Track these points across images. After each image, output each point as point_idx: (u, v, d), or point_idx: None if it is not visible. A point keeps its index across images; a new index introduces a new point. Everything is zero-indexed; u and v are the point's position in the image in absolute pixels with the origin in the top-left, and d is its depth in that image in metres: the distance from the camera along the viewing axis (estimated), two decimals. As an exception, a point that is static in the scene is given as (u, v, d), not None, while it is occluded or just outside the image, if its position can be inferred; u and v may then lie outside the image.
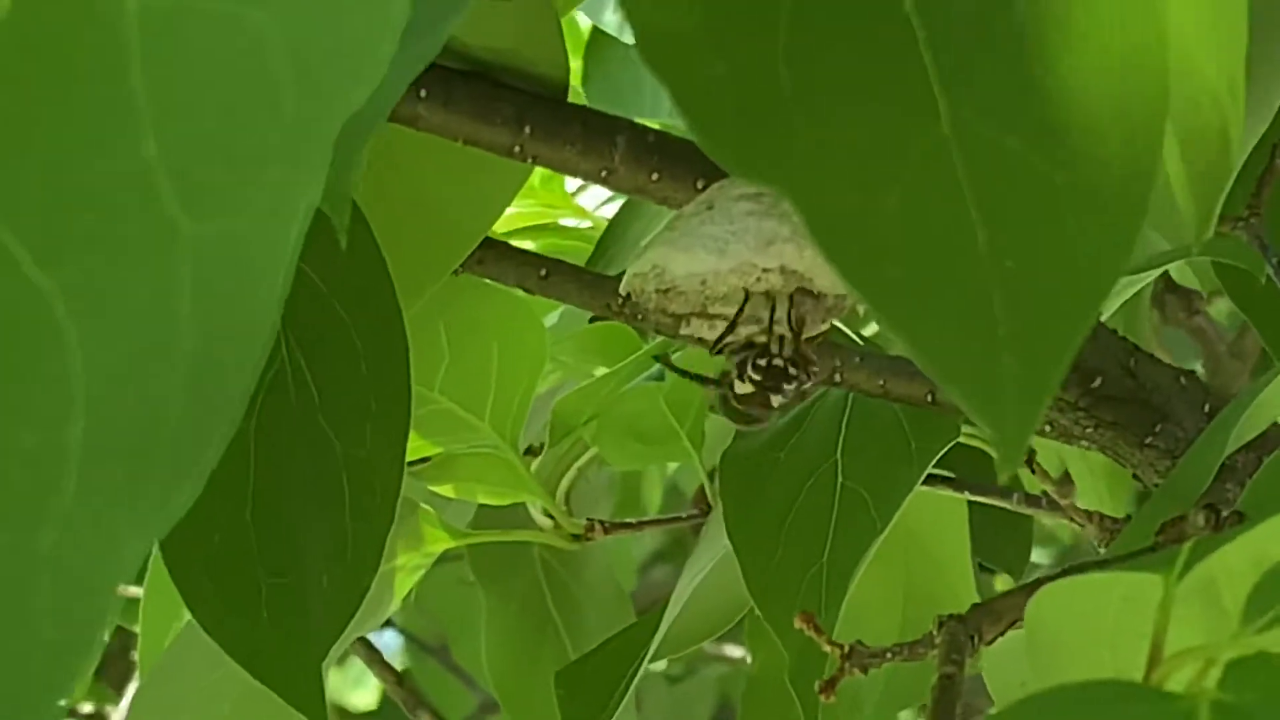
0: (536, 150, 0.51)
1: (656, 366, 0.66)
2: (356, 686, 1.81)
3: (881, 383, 0.57)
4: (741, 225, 0.47)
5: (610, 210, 0.88)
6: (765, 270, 0.46)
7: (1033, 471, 0.63)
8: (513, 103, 0.50)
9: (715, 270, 0.47)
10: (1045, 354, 0.30)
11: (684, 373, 0.53)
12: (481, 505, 0.71)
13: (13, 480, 0.23)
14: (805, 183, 0.31)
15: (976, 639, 0.44)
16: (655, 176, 0.51)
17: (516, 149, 0.50)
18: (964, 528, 0.68)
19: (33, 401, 0.23)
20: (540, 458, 0.69)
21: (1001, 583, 0.86)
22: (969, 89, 0.32)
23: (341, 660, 1.76)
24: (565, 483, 0.69)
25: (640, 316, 0.49)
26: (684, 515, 0.69)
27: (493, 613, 0.76)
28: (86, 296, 0.23)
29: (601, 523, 0.68)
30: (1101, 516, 0.66)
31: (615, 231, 0.77)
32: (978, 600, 0.69)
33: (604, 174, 0.51)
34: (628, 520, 0.69)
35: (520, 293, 0.64)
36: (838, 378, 0.57)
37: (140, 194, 0.23)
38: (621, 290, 0.48)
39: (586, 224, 0.85)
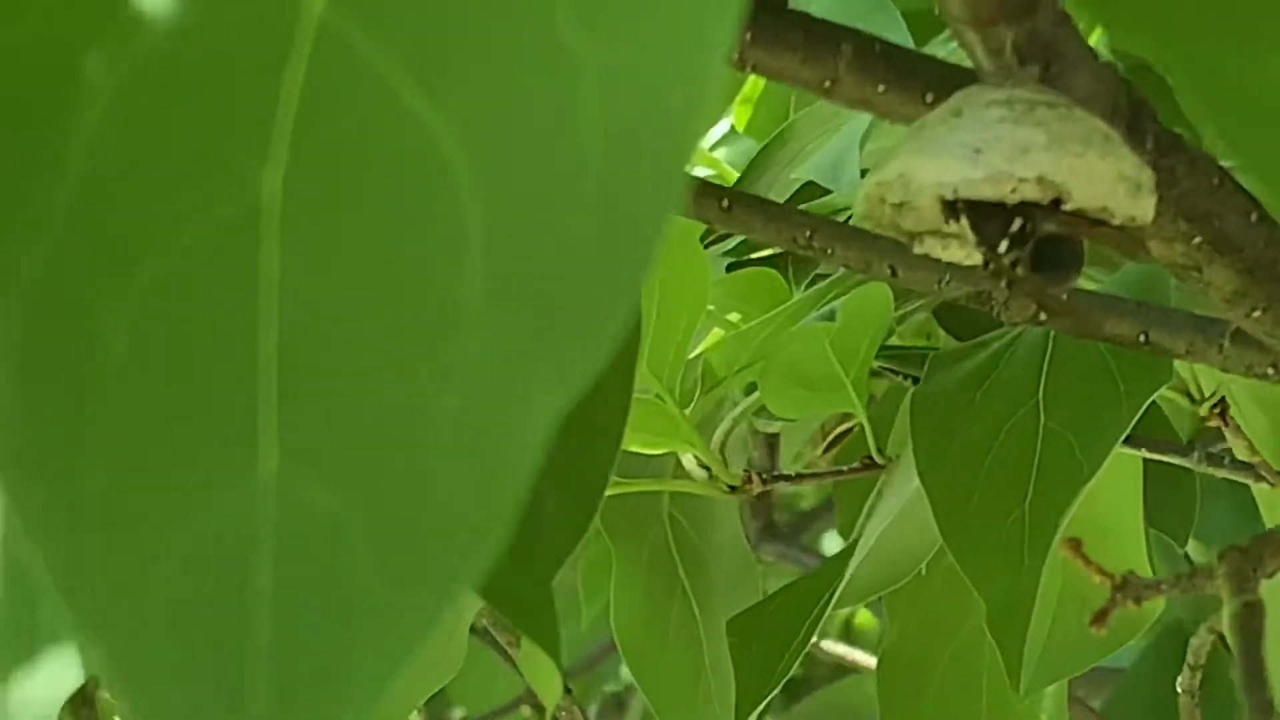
0: (757, 58, 0.48)
1: (828, 307, 0.63)
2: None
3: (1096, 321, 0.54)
4: (994, 133, 0.44)
5: (722, 154, 0.86)
6: (1021, 180, 0.43)
7: (1225, 425, 0.61)
8: (734, 8, 0.48)
9: (967, 179, 0.44)
10: None
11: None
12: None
13: (408, 341, 0.20)
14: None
15: (1257, 570, 0.41)
16: (882, 88, 0.48)
17: (735, 56, 0.48)
18: (1137, 488, 0.65)
19: (424, 253, 0.20)
20: (692, 405, 0.67)
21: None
22: None
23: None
24: (720, 432, 0.66)
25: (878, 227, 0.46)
26: (845, 469, 0.66)
27: (622, 567, 0.73)
28: (478, 130, 0.20)
29: (760, 474, 0.65)
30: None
31: (752, 175, 0.75)
32: (1147, 566, 0.66)
33: (828, 84, 0.48)
34: (786, 473, 0.66)
35: (686, 228, 0.62)
36: (1041, 316, 0.55)
37: (531, 10, 0.20)
38: (858, 203, 0.46)
39: (709, 173, 0.82)
